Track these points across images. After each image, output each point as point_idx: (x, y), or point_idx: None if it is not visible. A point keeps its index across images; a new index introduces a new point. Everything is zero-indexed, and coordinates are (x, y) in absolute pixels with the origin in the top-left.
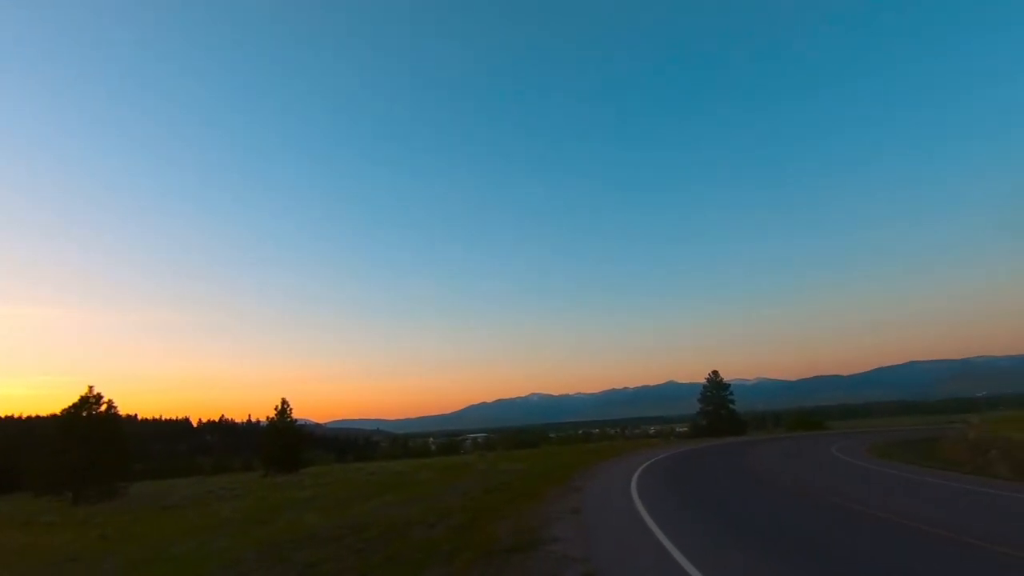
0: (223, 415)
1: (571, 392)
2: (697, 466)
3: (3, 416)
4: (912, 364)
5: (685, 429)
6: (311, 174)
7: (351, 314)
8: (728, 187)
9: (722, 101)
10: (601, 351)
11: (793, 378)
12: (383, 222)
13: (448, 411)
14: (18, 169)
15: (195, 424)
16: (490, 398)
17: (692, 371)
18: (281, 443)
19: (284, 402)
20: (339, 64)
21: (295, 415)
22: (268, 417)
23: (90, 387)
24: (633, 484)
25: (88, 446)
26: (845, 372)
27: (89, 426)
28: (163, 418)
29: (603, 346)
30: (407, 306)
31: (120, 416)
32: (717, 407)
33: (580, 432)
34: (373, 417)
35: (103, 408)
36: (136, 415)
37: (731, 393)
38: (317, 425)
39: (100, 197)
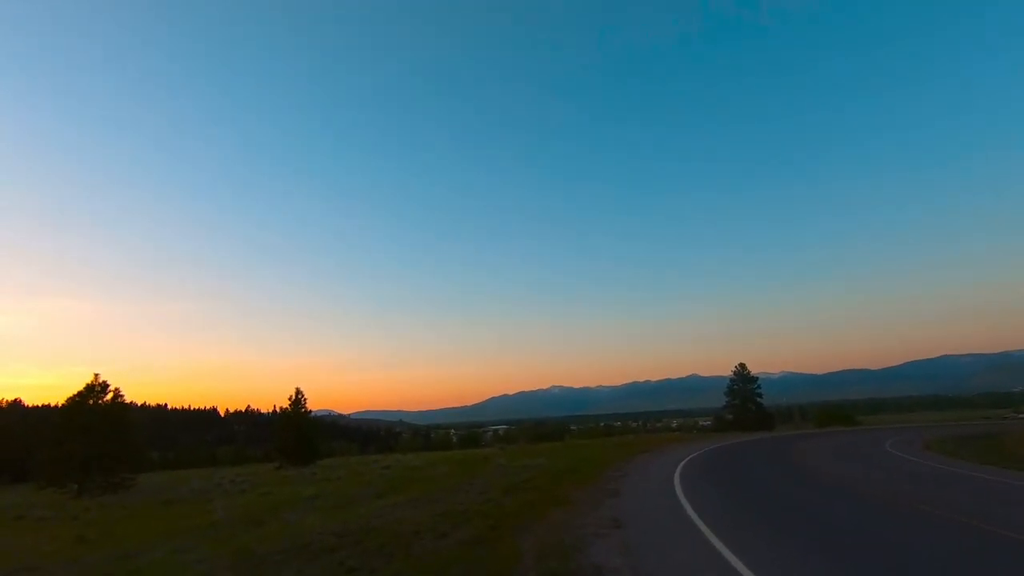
0: (249, 405)
1: (592, 385)
2: (745, 466)
3: (32, 405)
4: (946, 358)
5: (708, 423)
6: (330, 170)
7: (376, 307)
8: (753, 180)
9: (739, 98)
10: (623, 344)
11: (819, 372)
12: (407, 218)
13: (470, 403)
14: (54, 167)
15: (223, 414)
16: (511, 390)
17: (716, 364)
18: (295, 434)
19: (298, 392)
20: (351, 65)
21: (320, 406)
22: (282, 407)
23: (95, 375)
24: (679, 488)
25: (92, 436)
26: (874, 366)
27: (93, 416)
28: (192, 408)
29: (625, 339)
30: (431, 299)
31: (127, 405)
32: (744, 401)
33: (602, 425)
34: (396, 408)
35: (109, 397)
36: (166, 404)
37: (759, 386)
38: (341, 416)
39: (124, 193)
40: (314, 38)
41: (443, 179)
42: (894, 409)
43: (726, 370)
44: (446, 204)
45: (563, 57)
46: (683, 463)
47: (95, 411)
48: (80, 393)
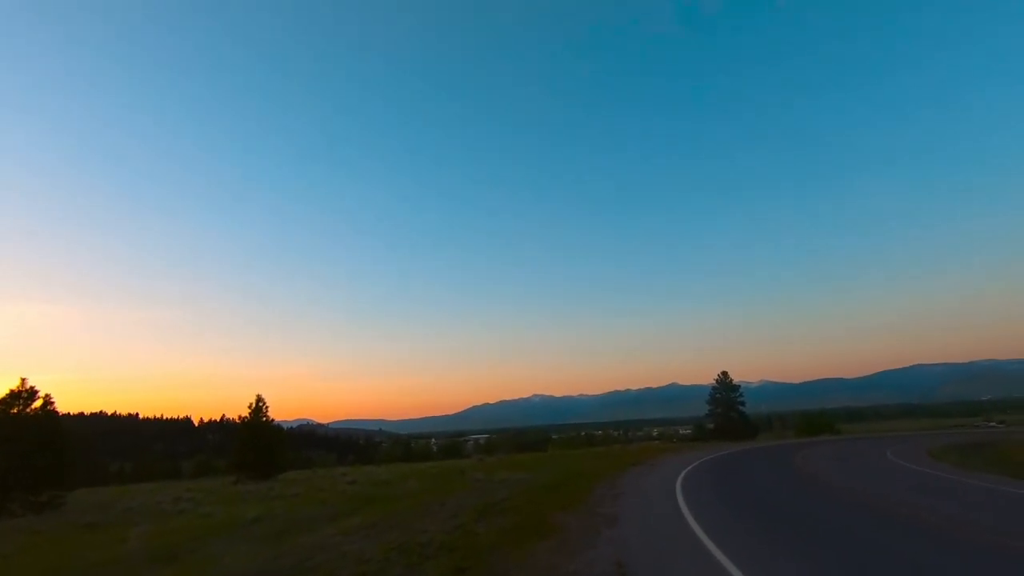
0: (224, 415)
1: (573, 393)
2: (755, 484)
3: None
4: (917, 367)
5: (688, 432)
6: (315, 176)
7: (355, 315)
8: (731, 191)
9: (725, 105)
10: (604, 353)
11: (797, 380)
12: (389, 225)
13: (450, 412)
14: (20, 171)
15: (196, 423)
16: (492, 399)
17: (695, 373)
18: (254, 446)
19: (259, 399)
20: (337, 67)
21: (299, 415)
22: (240, 416)
23: (22, 379)
24: (689, 514)
25: (15, 450)
26: (849, 375)
27: (17, 426)
28: (164, 417)
29: (606, 348)
30: (410, 307)
31: (58, 414)
32: (727, 409)
33: (583, 434)
34: (376, 417)
35: (37, 405)
36: (137, 414)
37: (741, 395)
38: (320, 425)
39: (104, 198)
40: (305, 43)
41: (427, 192)
42: (871, 417)
43: (705, 379)
44: (429, 216)
45: (549, 68)
46: (682, 478)
47: (20, 421)
48: (2, 401)
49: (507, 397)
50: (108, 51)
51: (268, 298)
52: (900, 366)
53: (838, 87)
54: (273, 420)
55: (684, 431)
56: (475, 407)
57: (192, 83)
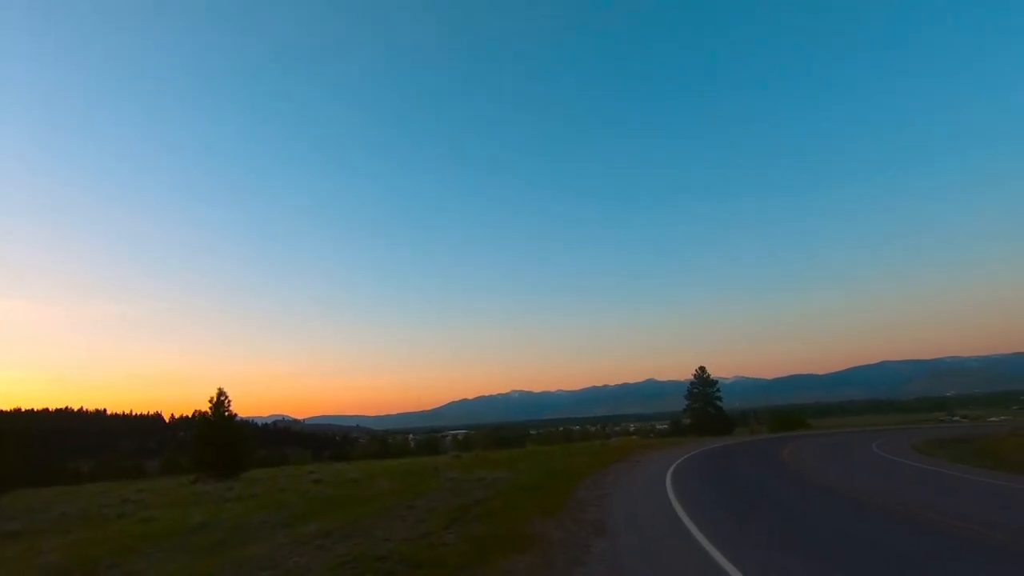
0: (196, 410)
1: (552, 389)
2: (752, 483)
3: None
4: (884, 364)
5: (665, 427)
6: (292, 170)
7: (333, 310)
8: (707, 189)
9: (702, 100)
10: (582, 349)
11: (770, 376)
12: (365, 219)
13: (429, 408)
14: None
15: (168, 420)
16: (471, 395)
17: (671, 369)
18: (215, 443)
19: (220, 392)
20: (321, 57)
21: (275, 411)
22: (199, 411)
23: None
24: (688, 520)
25: None
26: (821, 371)
27: None
28: (134, 414)
29: (584, 344)
30: (389, 302)
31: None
32: (704, 404)
33: (561, 430)
34: (353, 413)
35: None
36: (105, 410)
37: (719, 390)
38: (296, 421)
39: (74, 190)
40: (279, 33)
41: (400, 185)
42: (840, 413)
43: (682, 375)
44: (405, 209)
45: (528, 55)
46: (671, 477)
47: None
48: None
49: (486, 393)
50: (82, 46)
51: (245, 292)
52: (869, 363)
53: (808, 82)
54: (237, 416)
55: (661, 426)
56: (454, 403)
57: (157, 76)
